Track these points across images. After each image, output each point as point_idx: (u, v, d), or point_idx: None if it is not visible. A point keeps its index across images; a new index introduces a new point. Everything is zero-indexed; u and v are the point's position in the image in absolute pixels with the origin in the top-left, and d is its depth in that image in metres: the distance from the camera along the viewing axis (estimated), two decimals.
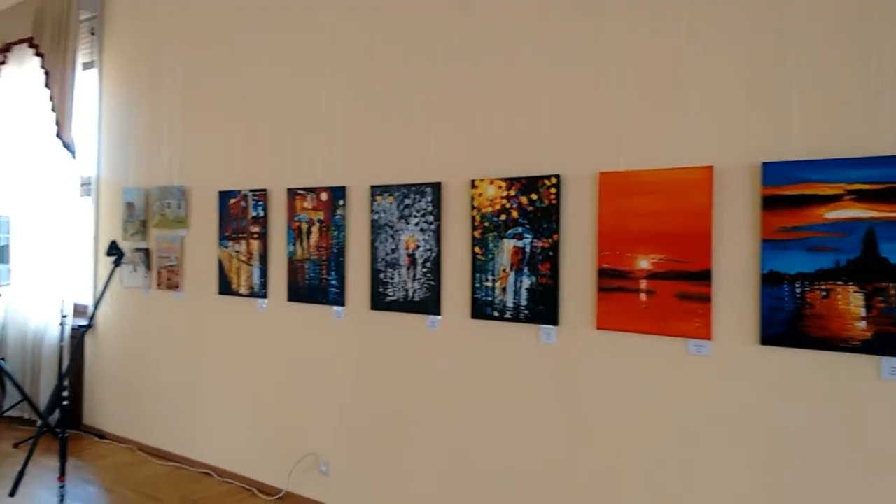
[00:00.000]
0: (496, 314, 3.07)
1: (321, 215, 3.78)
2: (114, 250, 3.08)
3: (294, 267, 3.91)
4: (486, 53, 3.16)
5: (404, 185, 3.41)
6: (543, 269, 2.92)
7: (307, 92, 3.88)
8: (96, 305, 3.18)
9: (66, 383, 2.86)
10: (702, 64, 2.59)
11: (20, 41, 5.38)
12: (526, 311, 2.98)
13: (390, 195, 3.46)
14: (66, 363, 5.02)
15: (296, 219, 3.90)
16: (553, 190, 2.90)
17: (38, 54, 5.22)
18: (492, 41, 3.14)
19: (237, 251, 4.20)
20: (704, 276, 2.54)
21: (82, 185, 5.27)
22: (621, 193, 2.72)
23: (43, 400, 5.14)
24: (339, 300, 3.70)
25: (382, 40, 3.54)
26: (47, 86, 5.13)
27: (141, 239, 4.79)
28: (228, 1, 4.31)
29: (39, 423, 5.06)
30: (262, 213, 4.07)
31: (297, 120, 3.92)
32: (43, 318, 5.24)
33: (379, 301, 3.52)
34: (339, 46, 3.73)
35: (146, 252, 4.75)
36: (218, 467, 4.27)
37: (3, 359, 5.29)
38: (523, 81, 3.04)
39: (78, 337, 5.13)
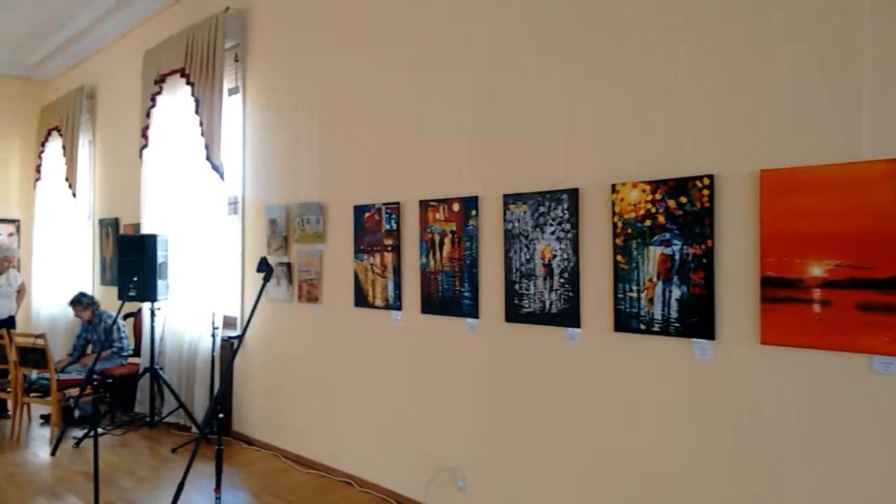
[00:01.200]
0: (642, 327, 2.87)
1: (453, 226, 3.74)
2: (264, 266, 3.18)
3: (427, 279, 3.90)
4: (623, 42, 2.98)
5: (538, 193, 3.29)
6: (696, 277, 2.69)
7: (437, 103, 3.86)
8: (249, 319, 3.29)
9: (218, 395, 2.96)
10: (882, 40, 2.27)
11: (173, 72, 5.82)
12: (676, 324, 2.76)
13: (524, 204, 3.35)
14: (217, 372, 5.33)
15: (428, 230, 3.89)
16: (706, 192, 2.66)
17: (188, 83, 5.62)
18: (631, 31, 2.96)
19: (372, 264, 4.26)
20: (893, 284, 2.21)
21: (229, 204, 5.59)
22: (786, 193, 2.44)
23: (197, 406, 5.49)
24: (473, 312, 3.63)
25: (511, 44, 3.45)
26: (197, 112, 5.50)
27: (283, 254, 4.99)
28: (358, 21, 4.40)
29: (195, 430, 5.40)
30: (395, 226, 4.10)
31: (428, 131, 3.92)
32: (196, 329, 5.60)
33: (514, 313, 3.41)
34: (467, 54, 3.68)
35: (288, 266, 4.95)
36: (358, 477, 4.33)
37: (161, 368, 5.71)
38: (667, 73, 2.83)
39: (228, 348, 5.43)
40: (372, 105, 4.29)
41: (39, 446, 5.18)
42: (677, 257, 2.75)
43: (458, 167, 3.74)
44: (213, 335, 5.28)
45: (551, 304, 3.24)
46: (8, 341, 5.42)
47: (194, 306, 5.64)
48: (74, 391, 5.52)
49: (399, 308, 4.09)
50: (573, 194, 3.14)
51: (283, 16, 5.07)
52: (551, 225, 3.23)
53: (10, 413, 5.65)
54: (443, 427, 3.82)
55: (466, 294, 3.66)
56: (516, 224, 3.39)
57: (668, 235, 2.78)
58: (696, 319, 2.70)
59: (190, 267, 5.72)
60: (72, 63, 8.41)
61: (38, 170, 8.71)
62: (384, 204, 4.17)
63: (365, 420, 4.32)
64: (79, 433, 5.31)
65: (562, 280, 3.20)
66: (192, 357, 5.64)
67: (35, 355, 5.30)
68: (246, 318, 5.42)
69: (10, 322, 5.98)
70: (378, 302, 4.22)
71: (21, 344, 5.37)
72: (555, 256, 3.22)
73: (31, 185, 8.98)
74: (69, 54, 8.29)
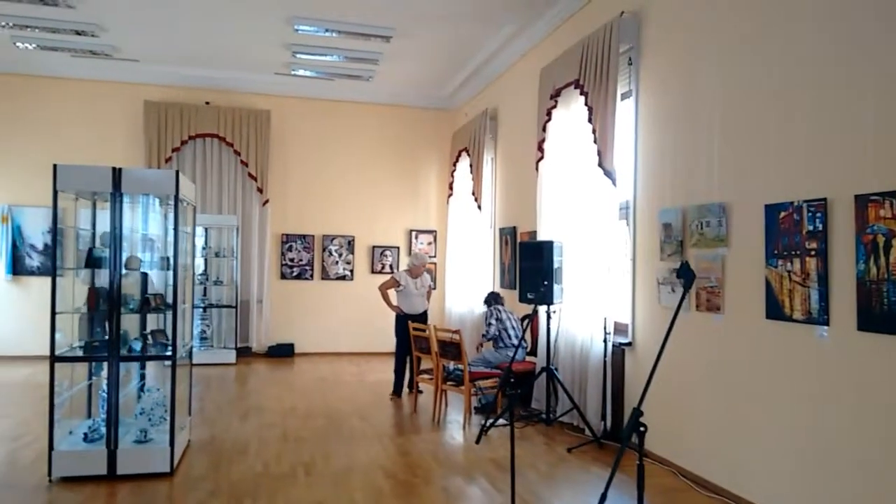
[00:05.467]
0: None
1: None
2: (685, 271, 2.93)
3: (866, 289, 3.23)
4: None
5: None
6: None
7: (870, 82, 3.19)
8: (669, 328, 2.87)
9: (637, 408, 2.81)
10: None
11: (567, 84, 6.05)
12: None
13: None
14: (609, 378, 5.31)
15: (868, 230, 3.22)
16: None
17: (582, 93, 5.76)
18: None
19: (789, 270, 3.73)
20: None
21: (620, 209, 5.55)
22: None
23: (589, 409, 5.55)
24: None
25: None
26: (590, 120, 5.60)
27: (678, 259, 4.73)
28: (759, 7, 3.93)
29: (588, 433, 5.47)
30: (819, 227, 3.52)
31: (862, 112, 3.26)
32: (588, 333, 5.68)
33: None
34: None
35: None
36: None
37: (556, 368, 5.94)
38: None
39: (620, 354, 5.39)
40: (785, 96, 3.77)
41: (455, 430, 5.84)
42: None
43: None
44: (605, 340, 5.29)
45: None
46: (431, 334, 6.27)
47: (585, 310, 5.75)
48: (482, 382, 6.12)
49: (826, 322, 3.49)
50: None
51: (680, 14, 4.83)
52: None
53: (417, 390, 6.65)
54: (885, 471, 3.11)
55: None
56: None
57: None
58: None
59: (581, 272, 5.85)
60: (477, 91, 9.48)
61: (450, 187, 10.03)
62: (805, 201, 3.61)
63: (779, 448, 3.79)
64: (485, 422, 5.83)
65: None
66: (583, 360, 5.75)
67: (451, 348, 6.01)
68: (636, 324, 5.31)
69: (422, 317, 7.02)
70: (797, 314, 3.67)
71: (440, 338, 6.15)
72: None
73: (445, 201, 10.39)
74: (475, 83, 9.35)
